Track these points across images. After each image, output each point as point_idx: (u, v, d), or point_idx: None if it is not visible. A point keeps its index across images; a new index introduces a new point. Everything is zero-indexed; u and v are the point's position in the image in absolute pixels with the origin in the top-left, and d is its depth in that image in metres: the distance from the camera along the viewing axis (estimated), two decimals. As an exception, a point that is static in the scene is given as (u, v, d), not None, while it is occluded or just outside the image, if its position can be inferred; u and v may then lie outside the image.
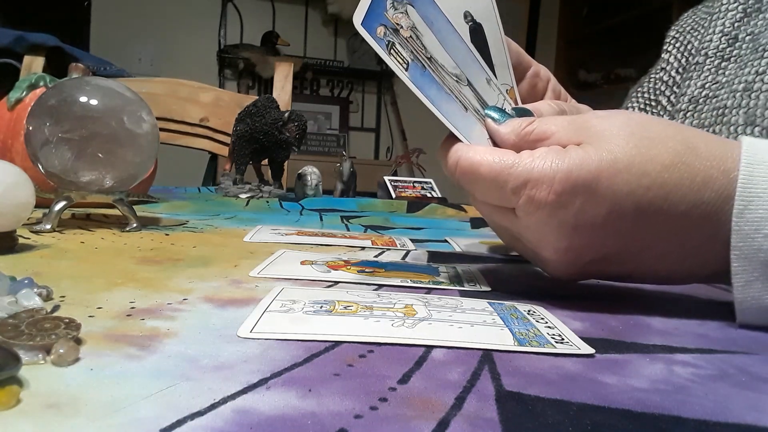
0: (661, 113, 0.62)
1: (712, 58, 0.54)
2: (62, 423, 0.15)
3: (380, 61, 2.80)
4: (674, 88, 0.62)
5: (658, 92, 0.64)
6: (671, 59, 0.63)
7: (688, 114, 0.53)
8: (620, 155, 0.28)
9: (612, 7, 2.96)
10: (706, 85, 0.53)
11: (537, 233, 0.30)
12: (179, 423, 0.15)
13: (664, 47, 0.65)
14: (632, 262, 0.31)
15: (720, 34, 0.54)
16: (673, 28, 0.65)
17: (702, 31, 0.59)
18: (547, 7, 3.36)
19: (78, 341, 0.20)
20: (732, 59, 0.52)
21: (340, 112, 3.05)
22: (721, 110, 0.49)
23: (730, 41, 0.53)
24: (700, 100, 0.53)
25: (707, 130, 0.49)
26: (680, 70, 0.62)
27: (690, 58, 0.60)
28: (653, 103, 0.64)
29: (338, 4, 2.87)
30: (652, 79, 0.65)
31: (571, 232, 0.29)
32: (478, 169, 0.29)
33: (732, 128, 0.47)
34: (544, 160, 0.28)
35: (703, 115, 0.51)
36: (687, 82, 0.56)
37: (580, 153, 0.28)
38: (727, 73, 0.51)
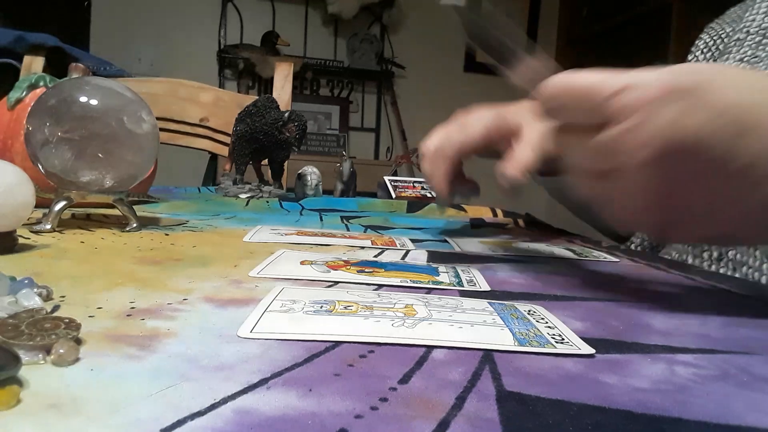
0: None
1: (754, 35, 0.55)
2: (62, 423, 0.15)
3: (380, 61, 2.77)
4: None
5: None
6: (701, 45, 0.66)
7: None
8: (730, 69, 0.28)
9: (612, 7, 2.96)
10: (745, 59, 0.54)
11: (631, 140, 0.27)
12: (179, 423, 0.15)
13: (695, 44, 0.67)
14: (716, 193, 0.28)
15: (764, 14, 0.56)
16: (701, 37, 0.67)
17: (737, 21, 0.62)
18: (547, 7, 3.36)
19: (78, 341, 0.20)
20: None
21: (340, 112, 3.05)
22: None
23: None
24: None
25: None
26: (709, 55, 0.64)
27: (722, 47, 0.63)
28: None
29: (338, 4, 2.86)
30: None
31: (667, 137, 0.26)
32: (572, 82, 0.28)
33: None
34: (645, 72, 0.27)
35: None
36: (725, 56, 0.57)
37: (686, 65, 0.27)
38: None
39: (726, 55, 0.57)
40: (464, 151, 0.48)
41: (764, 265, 0.46)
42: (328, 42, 3.05)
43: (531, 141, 0.44)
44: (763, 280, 0.46)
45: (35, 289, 0.25)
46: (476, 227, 0.68)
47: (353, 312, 0.26)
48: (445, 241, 0.54)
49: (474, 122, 0.48)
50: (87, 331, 0.21)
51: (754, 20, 0.56)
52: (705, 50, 0.65)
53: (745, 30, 0.57)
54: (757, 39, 0.55)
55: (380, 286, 0.33)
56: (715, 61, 0.63)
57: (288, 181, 0.98)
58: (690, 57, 0.68)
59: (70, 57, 1.13)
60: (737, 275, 0.49)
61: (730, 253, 0.50)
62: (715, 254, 0.51)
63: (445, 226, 0.68)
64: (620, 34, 2.91)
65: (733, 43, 0.57)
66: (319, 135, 2.91)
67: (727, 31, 0.63)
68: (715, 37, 0.64)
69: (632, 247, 0.66)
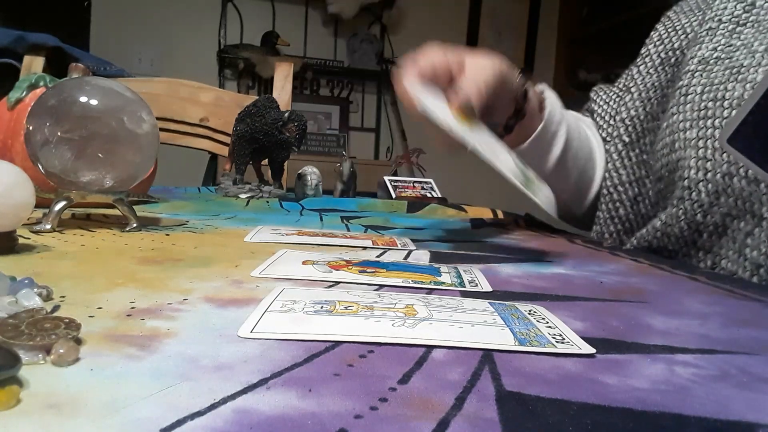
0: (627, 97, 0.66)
1: (726, 24, 0.55)
2: (62, 423, 0.15)
3: (380, 61, 2.78)
4: (646, 78, 0.65)
5: (628, 78, 0.68)
6: (651, 52, 0.66)
7: (696, 74, 0.54)
8: None
9: (612, 7, 2.96)
10: (719, 48, 0.54)
11: None
12: (179, 423, 0.15)
13: (643, 49, 0.68)
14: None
15: (735, 2, 0.55)
16: (656, 28, 0.67)
17: (694, 11, 0.62)
18: (547, 7, 3.36)
19: (78, 341, 0.20)
20: (749, 24, 0.53)
21: (340, 112, 3.05)
22: (736, 69, 0.50)
23: (746, 8, 0.54)
24: (711, 61, 0.54)
25: (717, 87, 0.51)
26: (659, 65, 0.65)
27: (670, 53, 0.64)
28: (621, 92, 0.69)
29: (338, 4, 2.86)
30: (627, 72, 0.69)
31: None
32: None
33: (749, 85, 0.48)
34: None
35: (713, 75, 0.52)
36: (696, 46, 0.57)
37: None
38: (742, 37, 0.53)
39: (698, 46, 0.56)
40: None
41: (754, 278, 0.47)
42: (328, 42, 3.05)
43: (474, 77, 0.49)
44: None
45: (35, 289, 0.25)
46: (476, 227, 0.68)
47: (353, 312, 0.26)
48: (447, 240, 0.54)
49: (423, 57, 0.51)
50: (87, 331, 0.21)
51: (725, 8, 0.56)
52: (658, 43, 0.65)
53: (717, 19, 0.56)
54: (730, 27, 0.54)
55: (381, 286, 0.33)
56: (667, 53, 0.63)
57: (288, 181, 0.98)
58: (643, 50, 0.67)
59: (70, 57, 1.13)
60: None
61: (723, 261, 0.50)
62: (708, 263, 0.51)
63: (445, 226, 0.68)
64: (620, 34, 2.91)
65: (704, 32, 0.57)
66: (319, 135, 2.91)
67: (683, 22, 0.63)
68: (670, 30, 0.64)
69: (594, 237, 0.67)
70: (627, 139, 0.64)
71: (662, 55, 0.64)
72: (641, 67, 0.66)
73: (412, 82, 0.49)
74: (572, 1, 3.30)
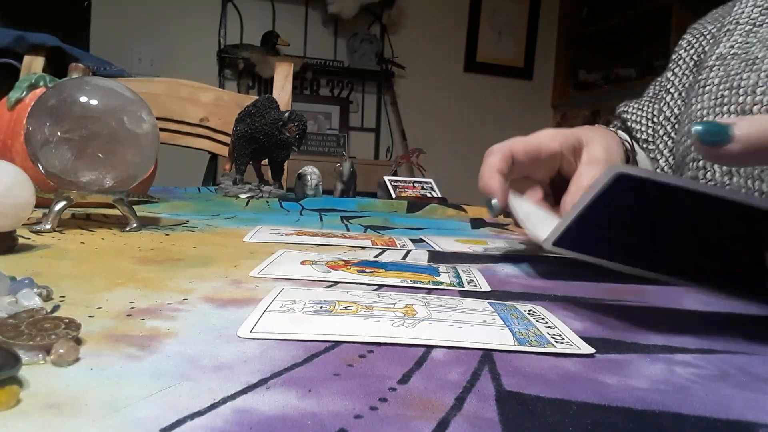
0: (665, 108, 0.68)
1: (744, 25, 0.59)
2: (62, 423, 0.15)
3: (380, 61, 2.78)
4: (680, 89, 0.67)
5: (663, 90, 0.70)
6: (682, 59, 0.69)
7: (714, 68, 0.58)
8: None
9: (612, 7, 2.96)
10: (735, 45, 0.57)
11: None
12: (179, 423, 0.15)
13: (673, 55, 0.70)
14: None
15: (752, 6, 0.59)
16: (684, 37, 0.69)
17: (719, 20, 0.65)
18: (547, 7, 3.36)
19: (78, 341, 0.20)
20: (765, 24, 0.56)
21: (340, 112, 3.05)
22: (751, 61, 0.53)
23: (763, 11, 0.58)
24: (728, 57, 0.57)
25: (732, 78, 0.54)
26: (692, 67, 0.67)
27: (702, 56, 0.66)
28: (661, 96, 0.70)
29: (338, 4, 2.86)
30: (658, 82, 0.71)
31: None
32: None
33: (763, 74, 0.51)
34: None
35: (729, 67, 0.55)
36: (715, 46, 0.60)
37: None
38: (759, 35, 0.56)
39: (716, 46, 0.59)
40: (522, 153, 0.45)
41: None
42: (328, 42, 3.05)
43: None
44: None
45: (35, 289, 0.25)
46: (476, 227, 0.68)
47: (353, 312, 0.26)
48: (422, 240, 0.54)
49: (539, 133, 0.47)
50: (87, 331, 0.21)
51: (743, 12, 0.59)
52: (688, 48, 0.68)
53: (734, 21, 0.60)
54: (747, 28, 0.58)
55: (380, 286, 0.33)
56: (699, 56, 0.66)
57: (288, 181, 0.99)
58: (674, 56, 0.70)
59: (70, 57, 1.13)
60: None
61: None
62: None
63: (445, 226, 0.68)
64: (620, 34, 2.91)
65: (723, 33, 0.60)
66: (319, 135, 2.91)
67: (710, 29, 0.66)
68: (697, 35, 0.67)
69: None
70: (675, 136, 0.66)
71: (694, 57, 0.67)
72: (676, 70, 0.68)
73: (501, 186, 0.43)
74: (572, 1, 3.30)
